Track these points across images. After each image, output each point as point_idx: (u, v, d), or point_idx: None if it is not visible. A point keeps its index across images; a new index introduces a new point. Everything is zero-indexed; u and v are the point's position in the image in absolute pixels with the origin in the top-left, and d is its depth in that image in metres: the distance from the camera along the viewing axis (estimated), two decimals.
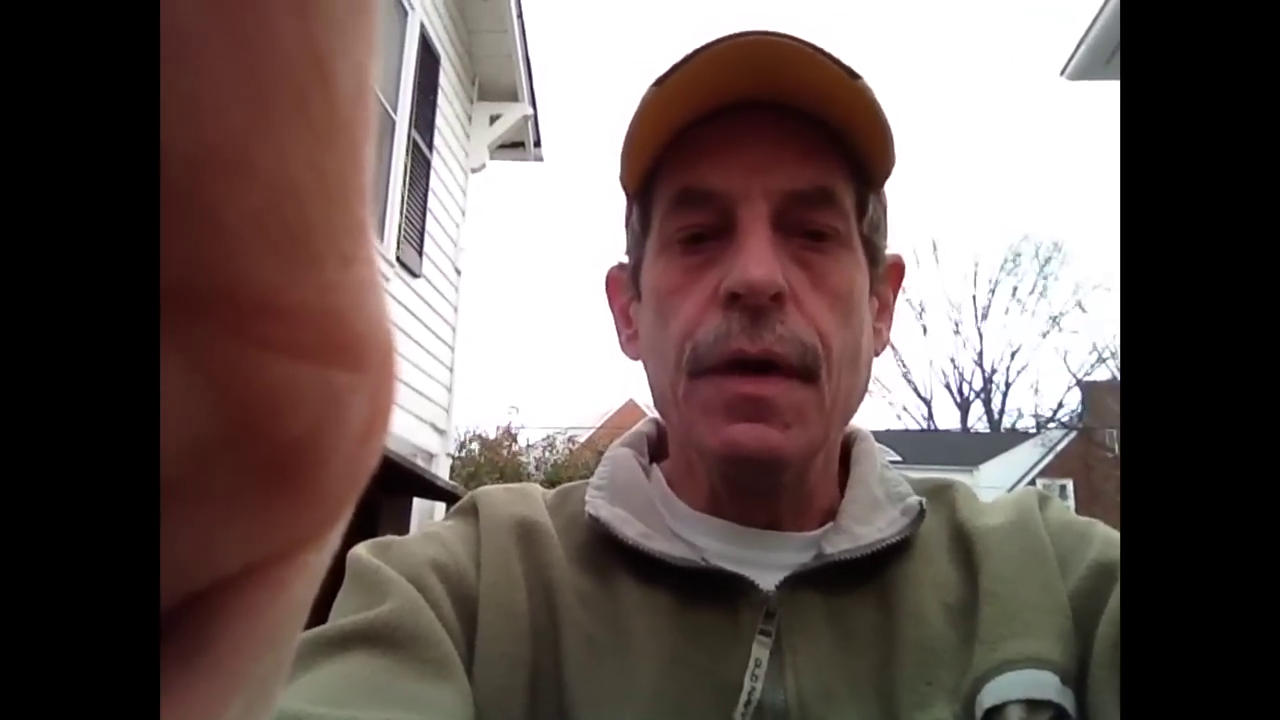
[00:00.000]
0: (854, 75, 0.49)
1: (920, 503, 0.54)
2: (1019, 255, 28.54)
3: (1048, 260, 28.03)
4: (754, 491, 0.53)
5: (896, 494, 0.56)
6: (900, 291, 0.62)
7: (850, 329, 0.52)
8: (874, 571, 0.51)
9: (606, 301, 0.63)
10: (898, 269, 0.61)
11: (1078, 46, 4.23)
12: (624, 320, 0.61)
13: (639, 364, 0.59)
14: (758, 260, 0.48)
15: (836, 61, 0.49)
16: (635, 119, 0.51)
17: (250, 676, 0.13)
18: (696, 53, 0.50)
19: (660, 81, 0.50)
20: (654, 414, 0.63)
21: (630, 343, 0.60)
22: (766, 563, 0.52)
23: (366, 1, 0.12)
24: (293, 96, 0.11)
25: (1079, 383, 23.49)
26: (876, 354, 0.57)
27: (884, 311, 0.59)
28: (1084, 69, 4.27)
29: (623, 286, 0.61)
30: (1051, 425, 23.62)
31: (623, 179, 0.56)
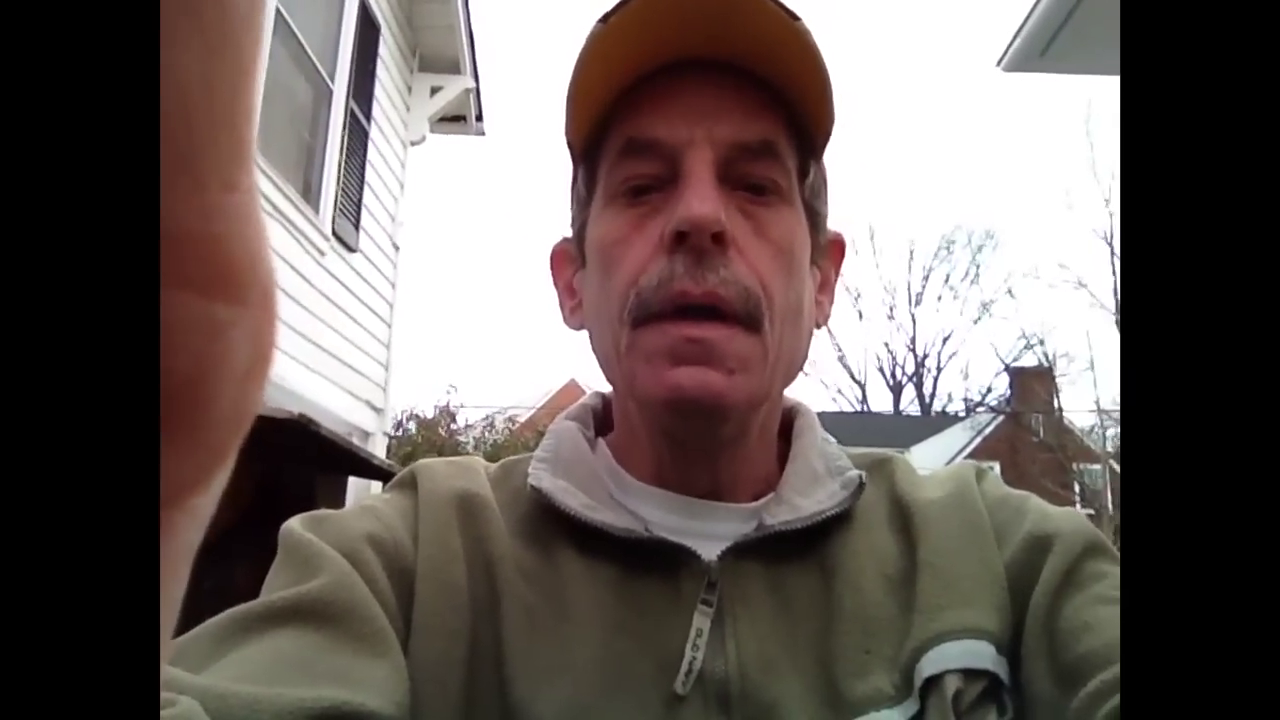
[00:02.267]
0: (794, 17, 0.50)
1: (860, 476, 0.54)
2: (953, 243, 29.22)
3: (980, 248, 28.78)
4: (695, 447, 0.53)
5: (836, 467, 0.56)
6: (841, 271, 0.62)
7: (792, 283, 0.52)
8: (814, 543, 0.52)
9: (551, 278, 0.62)
10: (839, 246, 0.61)
11: (1014, 38, 4.31)
12: (568, 293, 0.61)
13: (581, 340, 0.59)
14: (701, 199, 0.49)
15: (777, 3, 0.49)
16: (579, 63, 0.51)
17: None
18: None
19: (605, 19, 0.50)
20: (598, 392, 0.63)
21: (574, 314, 0.60)
22: (708, 533, 0.52)
23: None
24: (185, 3, 0.11)
25: (1007, 368, 24.20)
26: (818, 326, 0.58)
27: (825, 286, 0.60)
28: (1019, 60, 4.35)
29: (567, 260, 0.61)
30: (980, 409, 24.31)
31: (568, 131, 0.55)
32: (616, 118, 0.53)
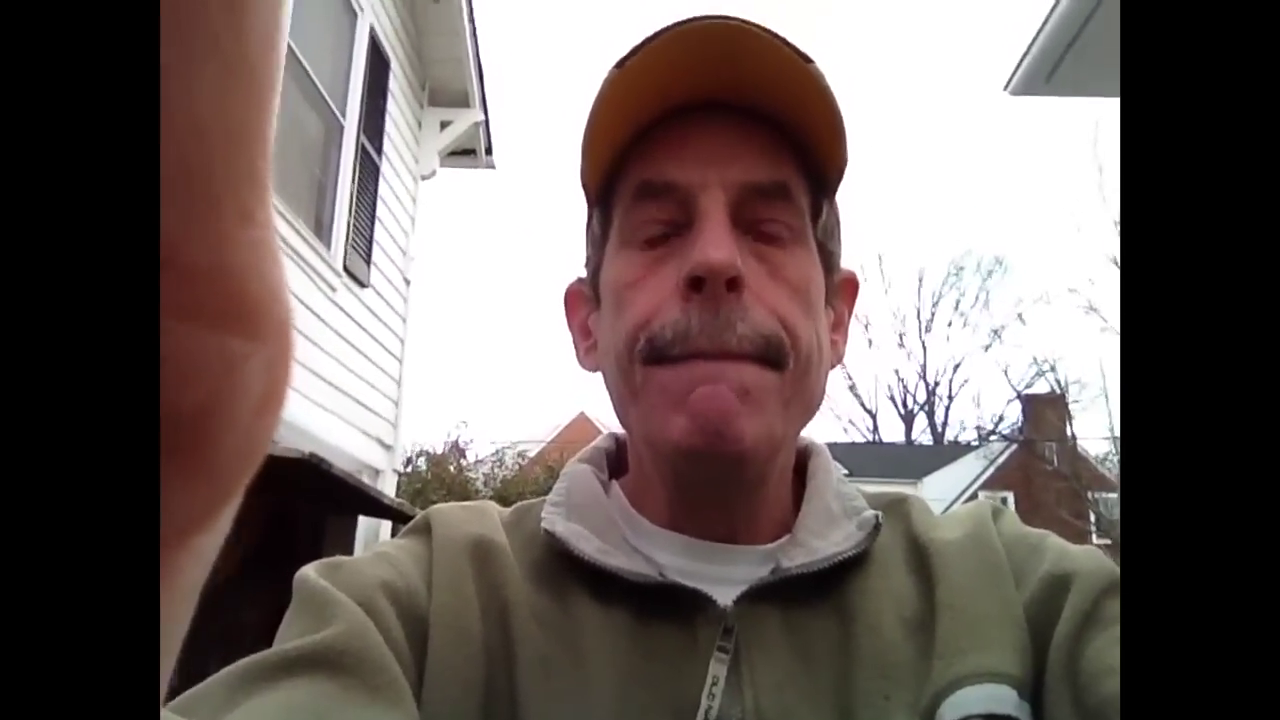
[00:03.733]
0: (807, 60, 0.50)
1: (876, 516, 0.54)
2: (961, 269, 29.31)
3: (989, 274, 28.80)
4: (711, 488, 0.52)
5: (852, 508, 0.56)
6: (854, 309, 0.62)
7: (811, 322, 0.52)
8: (831, 586, 0.51)
9: (565, 318, 0.62)
10: (852, 285, 0.62)
11: (1020, 63, 4.34)
12: (583, 334, 0.61)
13: (594, 377, 0.59)
14: (716, 243, 0.49)
15: (790, 45, 0.50)
16: (594, 106, 0.52)
17: None
18: (656, 35, 0.50)
19: (621, 64, 0.51)
20: (607, 427, 0.63)
21: (588, 355, 0.60)
22: (724, 577, 0.51)
23: None
24: (204, 29, 0.11)
25: (1019, 395, 24.12)
26: (833, 366, 0.58)
27: (839, 326, 0.60)
28: (1026, 85, 4.38)
29: (581, 301, 0.61)
30: (993, 438, 24.20)
31: (583, 175, 0.55)
32: (631, 161, 0.54)
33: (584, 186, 0.57)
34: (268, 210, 0.12)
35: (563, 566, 0.52)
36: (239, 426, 0.12)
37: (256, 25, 0.11)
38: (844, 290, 0.60)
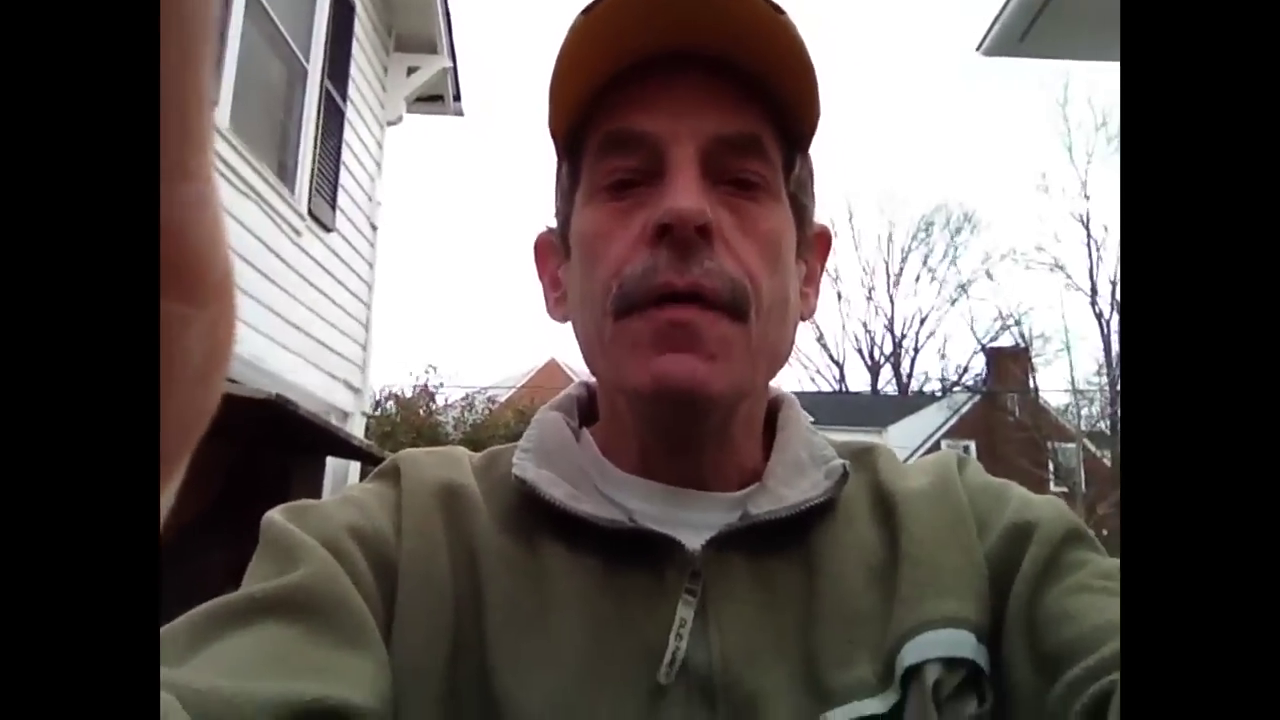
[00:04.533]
0: (779, 11, 0.49)
1: (844, 465, 0.55)
2: (931, 224, 29.35)
3: (958, 230, 28.93)
4: (680, 437, 0.53)
5: (820, 456, 0.56)
6: (826, 264, 0.62)
7: (778, 276, 0.52)
8: (798, 533, 0.52)
9: (535, 269, 0.62)
10: (824, 240, 0.61)
11: (993, 23, 4.32)
12: (552, 284, 0.60)
13: (565, 326, 0.58)
14: (685, 193, 0.49)
15: None
16: (561, 54, 0.51)
17: None
18: None
19: (588, 10, 0.50)
20: (578, 374, 0.63)
21: (558, 305, 0.59)
22: (693, 523, 0.52)
23: None
24: None
25: (984, 349, 24.42)
26: (804, 319, 0.58)
27: (811, 279, 0.60)
28: (999, 45, 4.37)
29: (551, 251, 0.60)
30: (957, 389, 24.54)
31: (551, 124, 0.55)
32: (599, 111, 0.53)
33: (552, 136, 0.56)
34: (205, 164, 0.12)
35: (532, 512, 0.52)
36: (181, 392, 0.12)
37: None
38: (816, 245, 0.60)
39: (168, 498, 0.13)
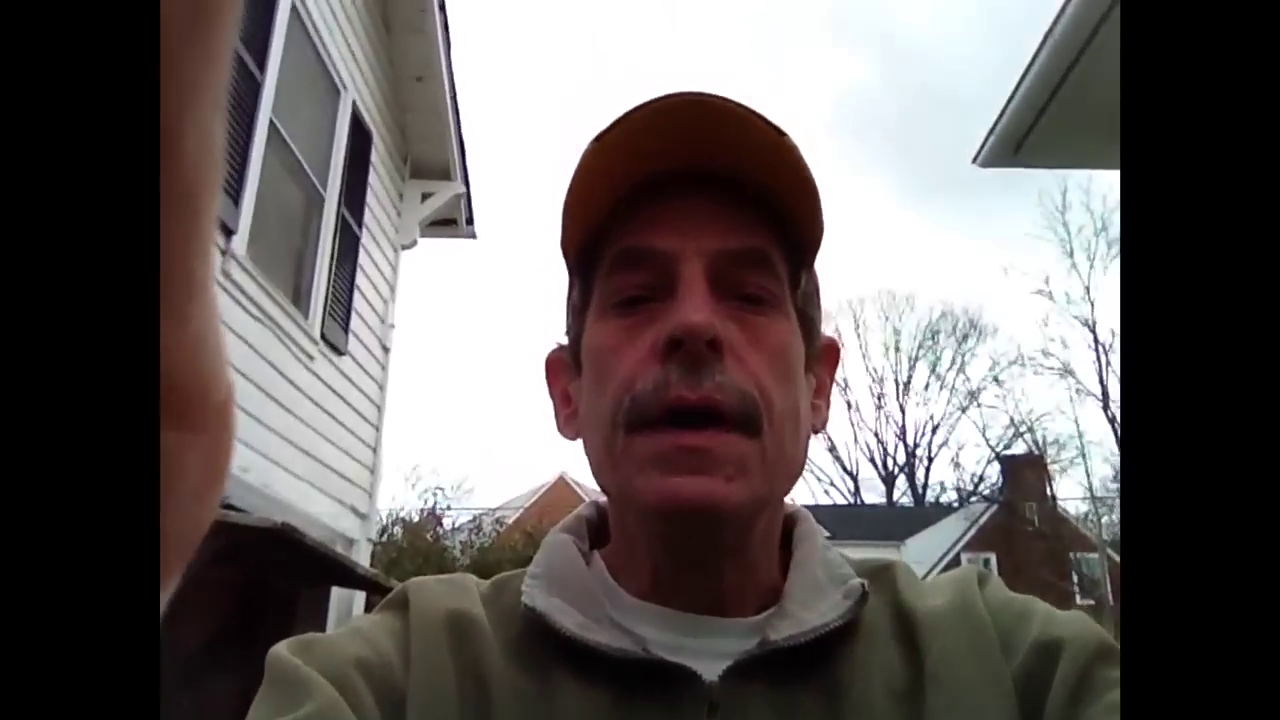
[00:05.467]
0: (781, 133, 0.51)
1: (863, 585, 0.53)
2: (937, 332, 29.62)
3: (965, 337, 29.17)
4: (695, 557, 0.52)
5: (838, 576, 0.55)
6: (835, 376, 0.63)
7: (789, 388, 0.52)
8: (818, 658, 0.51)
9: (546, 386, 0.62)
10: (833, 352, 0.62)
11: (988, 136, 4.47)
12: (563, 401, 0.61)
13: (575, 443, 0.58)
14: (695, 307, 0.49)
15: (765, 120, 0.51)
16: (575, 175, 0.52)
17: None
18: (635, 110, 0.51)
19: (600, 137, 0.52)
20: (588, 491, 0.62)
21: (569, 422, 0.59)
22: (709, 650, 0.50)
23: (217, 56, 0.12)
24: None
25: (998, 457, 24.19)
26: (815, 432, 0.58)
27: (821, 392, 0.60)
28: (994, 157, 4.51)
29: (562, 368, 0.61)
30: (974, 499, 24.18)
31: (563, 243, 0.56)
32: (610, 230, 0.54)
33: (564, 255, 0.57)
34: (206, 310, 0.13)
35: (543, 642, 0.51)
36: (178, 511, 0.13)
37: (188, 151, 0.12)
38: (825, 357, 0.61)
39: (165, 601, 0.14)
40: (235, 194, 3.79)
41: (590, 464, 0.56)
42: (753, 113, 0.51)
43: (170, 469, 0.12)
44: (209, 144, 0.12)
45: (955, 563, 19.43)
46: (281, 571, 4.17)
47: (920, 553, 19.80)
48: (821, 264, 0.59)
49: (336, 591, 4.97)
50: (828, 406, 0.61)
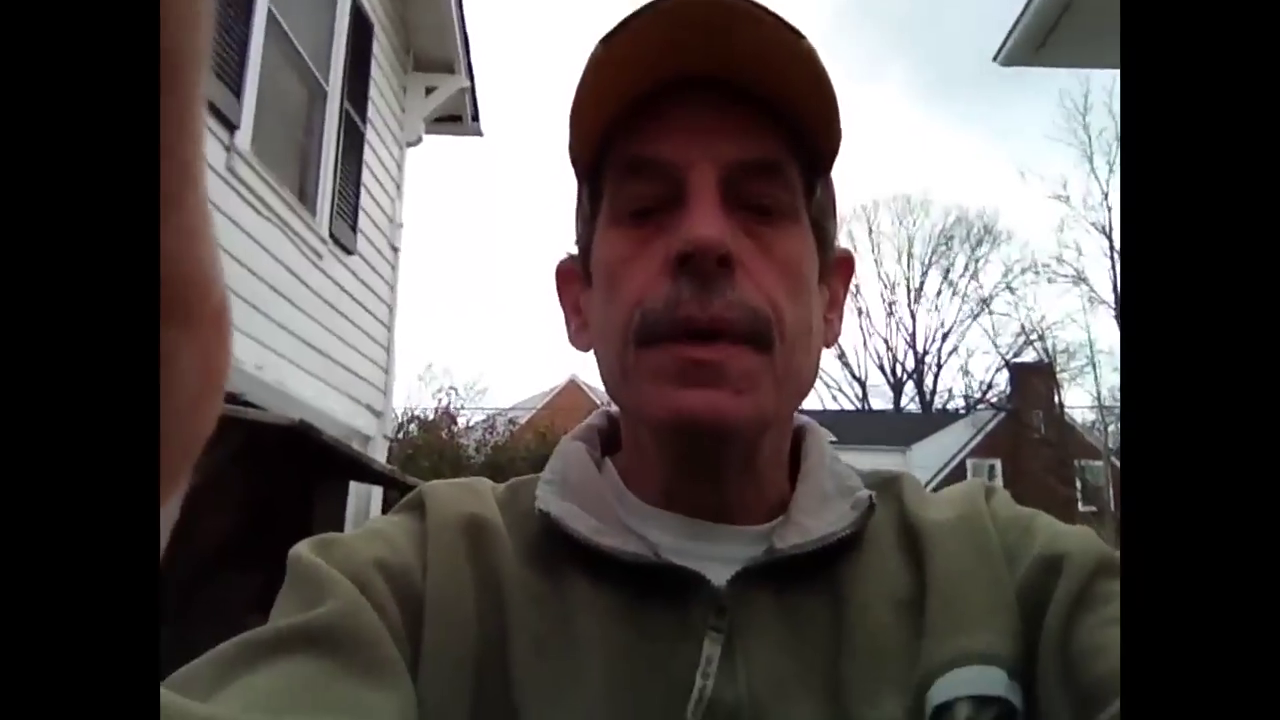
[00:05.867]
0: (799, 36, 0.49)
1: (870, 496, 0.54)
2: (951, 238, 29.27)
3: (979, 243, 28.82)
4: (704, 469, 0.52)
5: (846, 487, 0.56)
6: (849, 288, 0.62)
7: (800, 303, 0.52)
8: (824, 566, 0.51)
9: (557, 296, 0.62)
10: (847, 264, 0.61)
11: (1010, 33, 4.31)
12: (574, 311, 0.60)
13: (585, 353, 0.58)
14: (706, 221, 0.49)
15: (782, 21, 0.49)
16: (582, 81, 0.51)
17: None
18: (644, 9, 0.49)
19: (607, 39, 0.50)
20: (598, 394, 0.62)
21: (580, 333, 0.59)
22: (718, 556, 0.51)
23: None
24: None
25: (1007, 364, 24.25)
26: (827, 345, 0.57)
27: (834, 304, 0.59)
28: (1016, 55, 4.36)
29: (573, 278, 0.61)
30: (981, 406, 24.37)
31: (572, 150, 0.55)
32: (619, 137, 0.53)
33: (573, 162, 0.56)
34: (198, 198, 0.12)
35: (556, 545, 0.52)
36: (176, 415, 0.12)
37: (170, 20, 0.11)
38: (838, 269, 0.60)
39: (172, 509, 0.14)
40: (236, 87, 3.70)
41: (601, 376, 0.56)
42: (768, 13, 0.49)
43: (167, 372, 0.12)
44: (193, 11, 0.11)
45: (960, 468, 19.71)
46: (299, 468, 4.27)
47: (926, 458, 20.08)
48: (835, 168, 0.57)
49: (354, 487, 5.10)
50: (840, 320, 0.60)
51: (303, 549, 0.49)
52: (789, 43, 0.49)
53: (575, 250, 0.60)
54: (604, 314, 0.54)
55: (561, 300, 0.62)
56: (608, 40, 0.50)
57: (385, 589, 0.48)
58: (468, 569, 0.51)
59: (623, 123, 0.52)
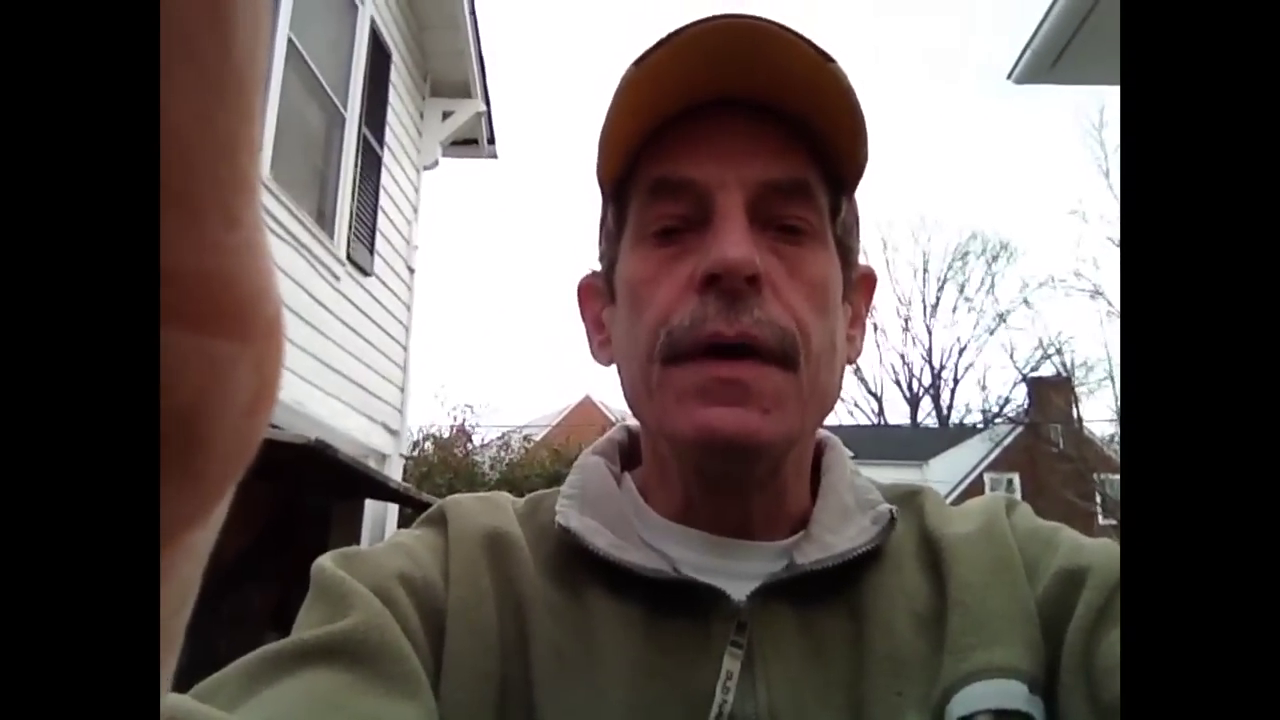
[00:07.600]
0: (827, 59, 0.49)
1: (890, 511, 0.54)
2: (967, 254, 29.10)
3: (995, 258, 28.64)
4: (728, 486, 0.52)
5: (867, 501, 0.56)
6: (871, 305, 0.62)
7: (826, 322, 0.52)
8: (845, 581, 0.51)
9: (579, 311, 0.62)
10: (869, 281, 0.61)
11: (1024, 51, 4.32)
12: (596, 326, 0.61)
13: (599, 365, 0.59)
14: (734, 242, 0.48)
15: (810, 44, 0.49)
16: (613, 104, 0.51)
17: None
18: (675, 34, 0.50)
19: (639, 61, 0.50)
20: (614, 411, 0.63)
21: (602, 348, 0.60)
22: (738, 572, 0.51)
23: None
24: (188, 42, 0.11)
25: (1025, 378, 24.00)
26: (850, 362, 0.57)
27: (856, 322, 0.59)
28: (1030, 73, 4.36)
29: (595, 294, 0.61)
30: (999, 420, 24.12)
31: (599, 171, 0.55)
32: (647, 157, 0.53)
33: (600, 182, 0.56)
34: (255, 212, 0.12)
35: (576, 560, 0.52)
36: (228, 427, 0.13)
37: (240, 35, 0.11)
38: (861, 286, 0.60)
39: (214, 526, 0.14)
40: None
41: (625, 393, 0.56)
42: (797, 36, 0.49)
43: (218, 381, 0.12)
44: (258, 27, 0.12)
45: (978, 482, 19.51)
46: (316, 486, 4.29)
47: (944, 472, 19.89)
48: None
49: (370, 504, 5.11)
50: (862, 336, 0.60)
51: (326, 562, 0.49)
52: (818, 65, 0.49)
53: (594, 267, 0.61)
54: (629, 331, 0.54)
55: (583, 315, 0.62)
56: (640, 61, 0.50)
57: (408, 602, 0.48)
58: (489, 582, 0.51)
59: (651, 142, 0.53)
